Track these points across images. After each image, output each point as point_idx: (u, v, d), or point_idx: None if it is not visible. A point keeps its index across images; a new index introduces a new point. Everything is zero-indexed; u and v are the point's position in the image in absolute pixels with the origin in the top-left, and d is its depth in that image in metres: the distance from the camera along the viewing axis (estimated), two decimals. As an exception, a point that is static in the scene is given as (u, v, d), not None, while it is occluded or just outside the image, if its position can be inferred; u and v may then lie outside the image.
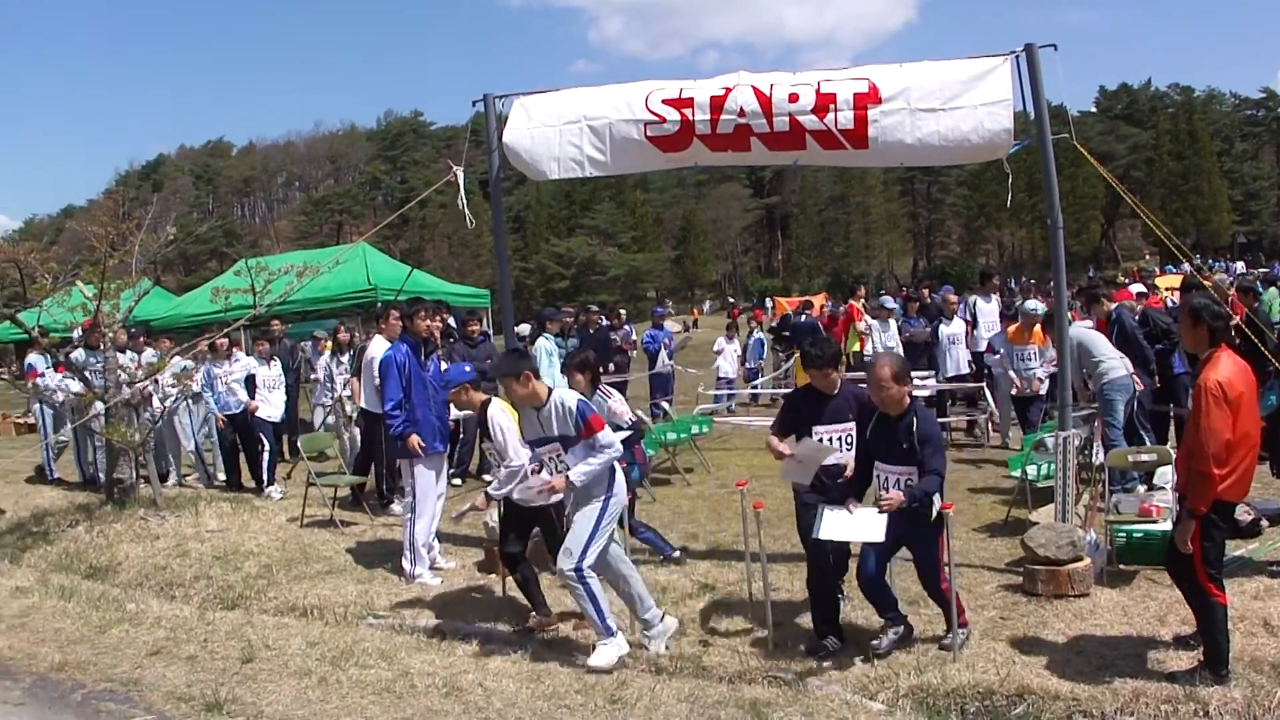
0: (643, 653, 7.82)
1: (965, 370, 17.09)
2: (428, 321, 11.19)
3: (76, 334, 15.33)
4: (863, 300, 22.76)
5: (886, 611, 7.68)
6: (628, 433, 9.61)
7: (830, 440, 7.90)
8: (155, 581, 10.67)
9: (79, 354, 14.24)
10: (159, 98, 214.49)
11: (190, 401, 15.61)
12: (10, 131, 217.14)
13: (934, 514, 7.32)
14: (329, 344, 17.15)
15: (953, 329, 17.12)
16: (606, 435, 7.79)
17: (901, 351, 18.47)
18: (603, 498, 7.82)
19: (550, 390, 8.02)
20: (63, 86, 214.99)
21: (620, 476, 8.03)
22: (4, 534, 12.97)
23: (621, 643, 7.75)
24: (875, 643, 7.49)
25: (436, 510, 10.51)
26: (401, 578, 10.19)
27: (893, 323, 18.83)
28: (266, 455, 15.26)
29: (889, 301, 20.48)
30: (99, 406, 12.85)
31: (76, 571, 11.21)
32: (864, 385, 7.78)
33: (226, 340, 15.09)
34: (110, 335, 12.95)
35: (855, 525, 7.47)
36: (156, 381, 14.10)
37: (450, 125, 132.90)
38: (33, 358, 16.57)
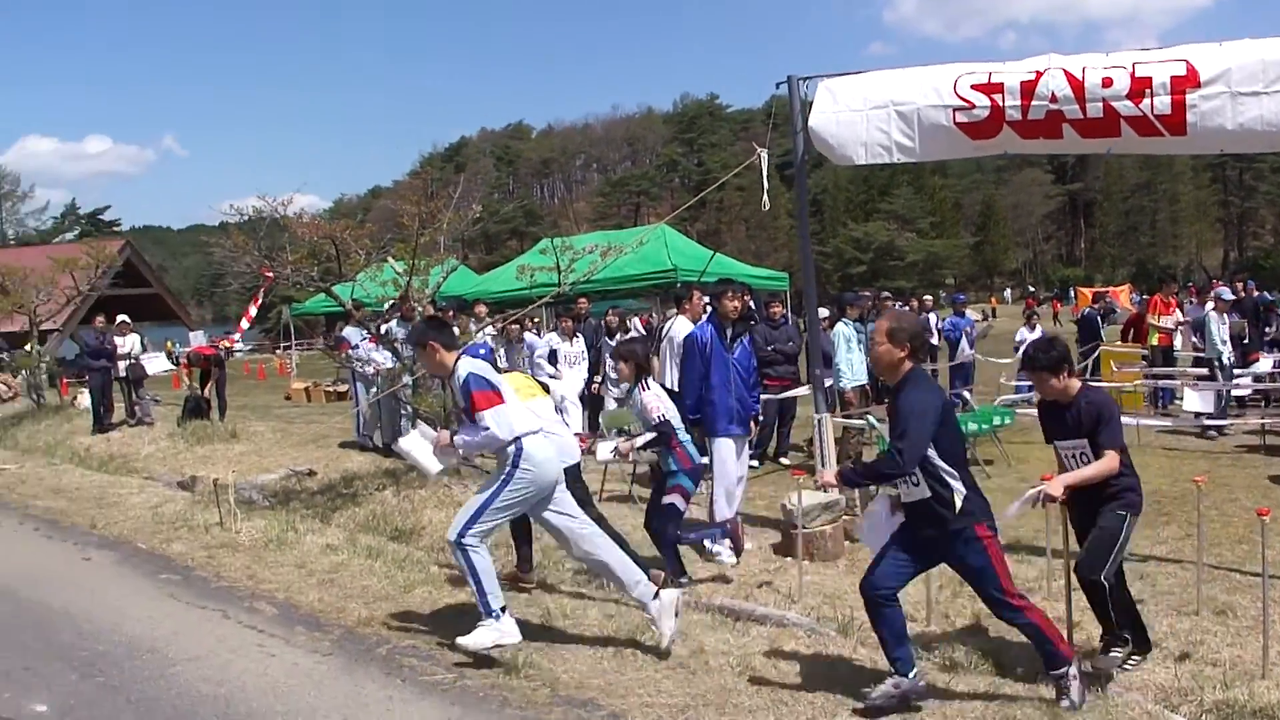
0: (940, 646, 7.73)
1: None
2: (735, 302, 11.12)
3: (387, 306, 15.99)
4: (1174, 293, 22.00)
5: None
6: (649, 435, 9.49)
7: (1067, 456, 7.31)
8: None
9: (393, 325, 14.79)
10: (461, 83, 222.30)
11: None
12: (322, 118, 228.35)
13: (958, 507, 6.49)
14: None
15: None
16: (489, 417, 7.58)
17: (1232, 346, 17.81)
18: (500, 479, 7.74)
19: (459, 360, 7.91)
20: (369, 74, 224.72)
21: (520, 457, 7.70)
22: (315, 494, 13.64)
23: (504, 630, 7.63)
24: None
25: (736, 491, 10.52)
26: (701, 556, 10.29)
27: (1228, 316, 18.07)
28: (564, 431, 15.62)
29: (1225, 293, 19.64)
30: (407, 378, 13.37)
31: (382, 533, 11.73)
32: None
33: (518, 327, 15.51)
34: (419, 310, 13.42)
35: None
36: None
37: (746, 108, 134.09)
38: (347, 330, 17.29)
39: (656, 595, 7.85)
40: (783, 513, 10.48)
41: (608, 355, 16.86)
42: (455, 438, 7.96)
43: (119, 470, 17.98)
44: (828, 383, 13.67)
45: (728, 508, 10.33)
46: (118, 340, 22.08)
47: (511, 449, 7.73)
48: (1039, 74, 9.71)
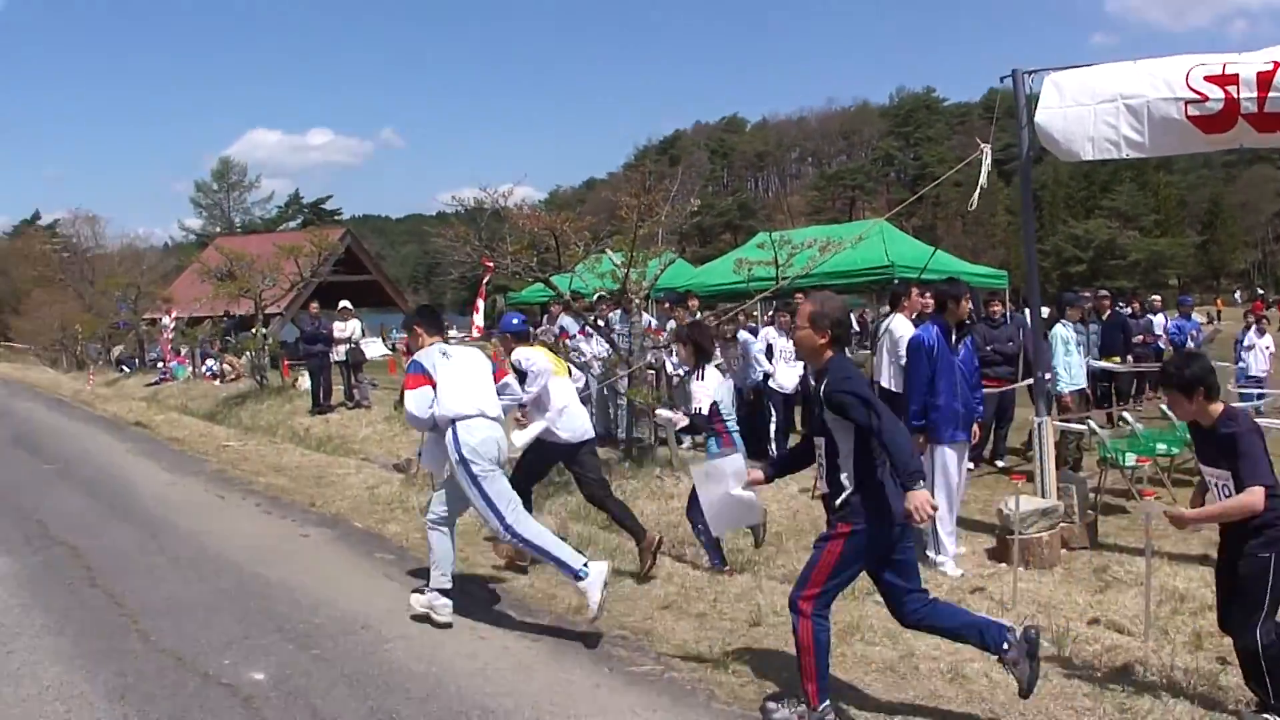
0: (1155, 664, 7.46)
1: None
2: (969, 304, 10.76)
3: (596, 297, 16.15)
4: None
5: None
6: (685, 421, 10.13)
7: (1211, 485, 6.66)
8: (668, 538, 11.01)
9: (614, 317, 14.93)
10: (677, 76, 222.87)
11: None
12: (536, 110, 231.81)
13: (838, 504, 6.32)
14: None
15: None
16: (408, 395, 8.54)
17: None
18: (468, 480, 8.34)
19: (429, 345, 8.81)
20: (584, 67, 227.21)
21: (457, 444, 8.31)
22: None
23: (599, 573, 8.11)
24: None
25: (956, 499, 10.25)
26: (925, 563, 10.07)
27: None
28: (773, 425, 15.52)
29: None
30: (623, 370, 13.48)
31: (594, 522, 11.79)
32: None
33: (732, 326, 15.50)
34: (636, 302, 13.51)
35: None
36: (670, 349, 14.64)
37: (963, 102, 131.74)
38: (565, 320, 17.54)
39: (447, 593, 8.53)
40: (998, 517, 10.28)
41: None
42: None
43: (336, 451, 18.54)
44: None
45: (949, 515, 10.02)
46: (339, 325, 22.80)
47: (450, 441, 8.40)
48: (1276, 64, 9.33)
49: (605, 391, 16.25)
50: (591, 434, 10.57)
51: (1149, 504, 6.85)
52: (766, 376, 15.42)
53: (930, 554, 9.93)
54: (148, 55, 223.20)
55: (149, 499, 14.54)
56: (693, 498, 9.86)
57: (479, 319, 18.13)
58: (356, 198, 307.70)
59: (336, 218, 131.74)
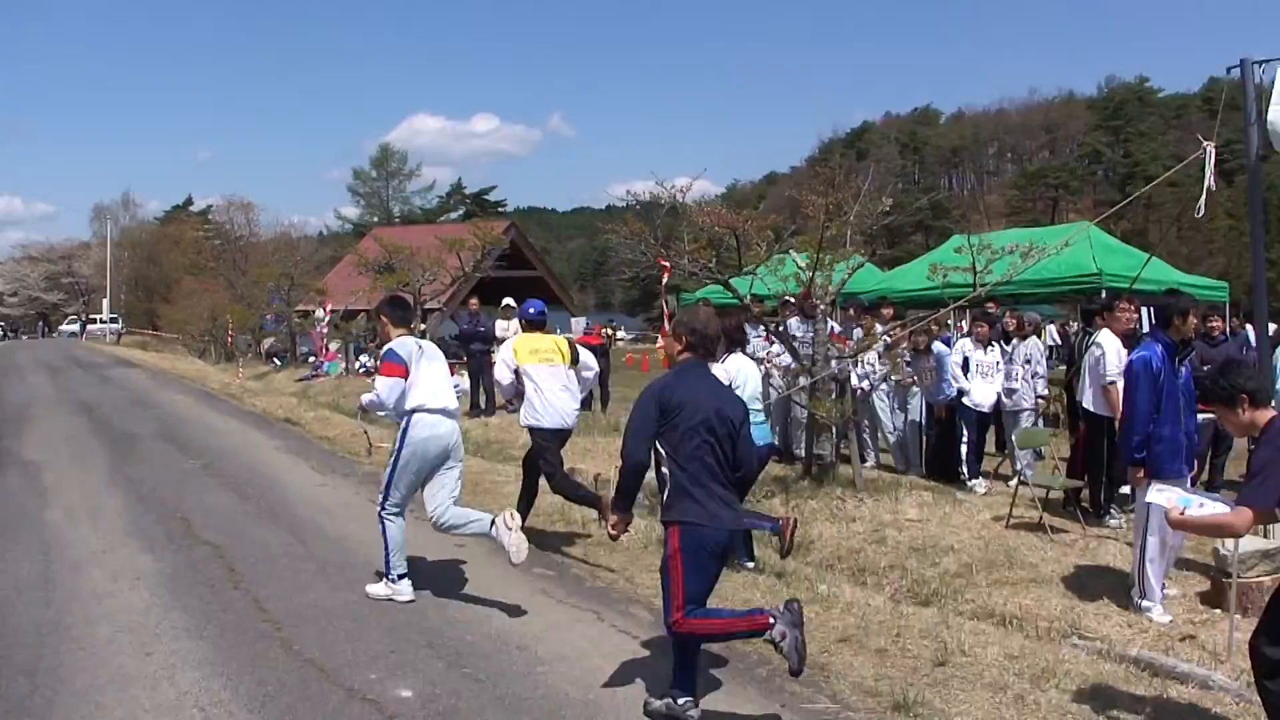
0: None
1: None
2: (1195, 321, 10.22)
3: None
4: None
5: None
6: None
7: None
8: (848, 565, 10.96)
9: (793, 323, 14.78)
10: (866, 64, 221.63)
11: (890, 383, 15.88)
12: (715, 98, 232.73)
13: (664, 498, 7.13)
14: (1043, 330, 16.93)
15: None
16: (379, 382, 9.50)
17: None
18: (393, 456, 9.65)
19: (398, 337, 9.74)
20: (766, 54, 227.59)
21: (406, 432, 9.49)
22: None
23: (397, 590, 9.74)
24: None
25: (1175, 540, 9.60)
26: (1129, 607, 9.60)
27: None
28: (965, 446, 15.24)
29: None
30: (804, 380, 13.34)
31: (767, 544, 11.66)
32: None
33: (925, 337, 15.26)
34: (822, 308, 13.35)
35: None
36: (857, 360, 14.48)
37: (1179, 93, 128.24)
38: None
39: (493, 523, 9.40)
40: (1214, 558, 9.98)
41: (1004, 361, 16.47)
42: (364, 396, 9.96)
43: (494, 457, 18.66)
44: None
45: (1160, 557, 9.48)
46: (501, 324, 22.88)
47: (402, 423, 9.58)
48: None
49: (788, 402, 16.08)
50: (570, 425, 11.79)
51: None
52: (961, 393, 15.10)
53: (1135, 598, 9.61)
54: (306, 38, 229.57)
55: (297, 500, 14.89)
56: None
57: (666, 324, 18.23)
58: (522, 188, 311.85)
59: (500, 209, 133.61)
